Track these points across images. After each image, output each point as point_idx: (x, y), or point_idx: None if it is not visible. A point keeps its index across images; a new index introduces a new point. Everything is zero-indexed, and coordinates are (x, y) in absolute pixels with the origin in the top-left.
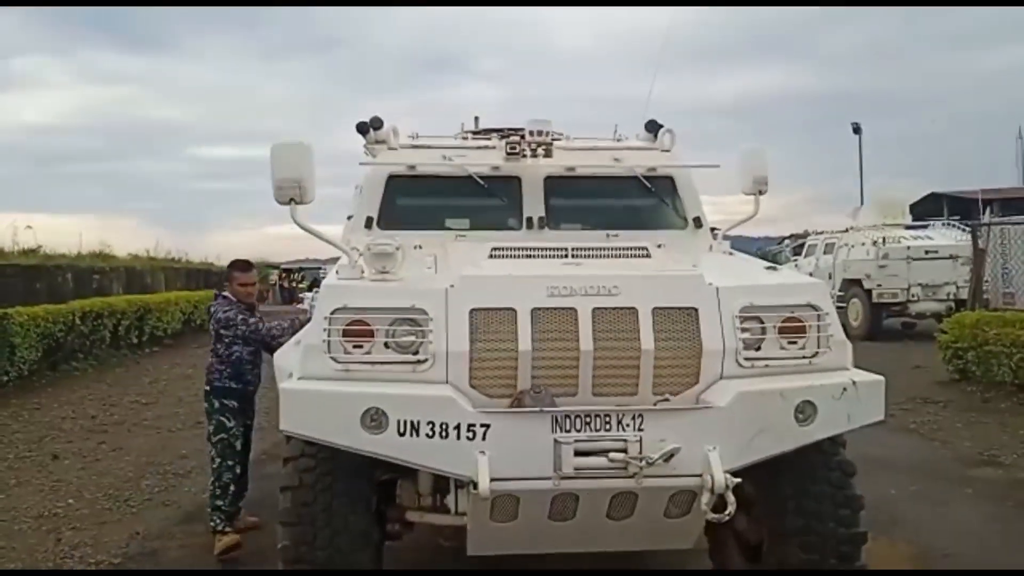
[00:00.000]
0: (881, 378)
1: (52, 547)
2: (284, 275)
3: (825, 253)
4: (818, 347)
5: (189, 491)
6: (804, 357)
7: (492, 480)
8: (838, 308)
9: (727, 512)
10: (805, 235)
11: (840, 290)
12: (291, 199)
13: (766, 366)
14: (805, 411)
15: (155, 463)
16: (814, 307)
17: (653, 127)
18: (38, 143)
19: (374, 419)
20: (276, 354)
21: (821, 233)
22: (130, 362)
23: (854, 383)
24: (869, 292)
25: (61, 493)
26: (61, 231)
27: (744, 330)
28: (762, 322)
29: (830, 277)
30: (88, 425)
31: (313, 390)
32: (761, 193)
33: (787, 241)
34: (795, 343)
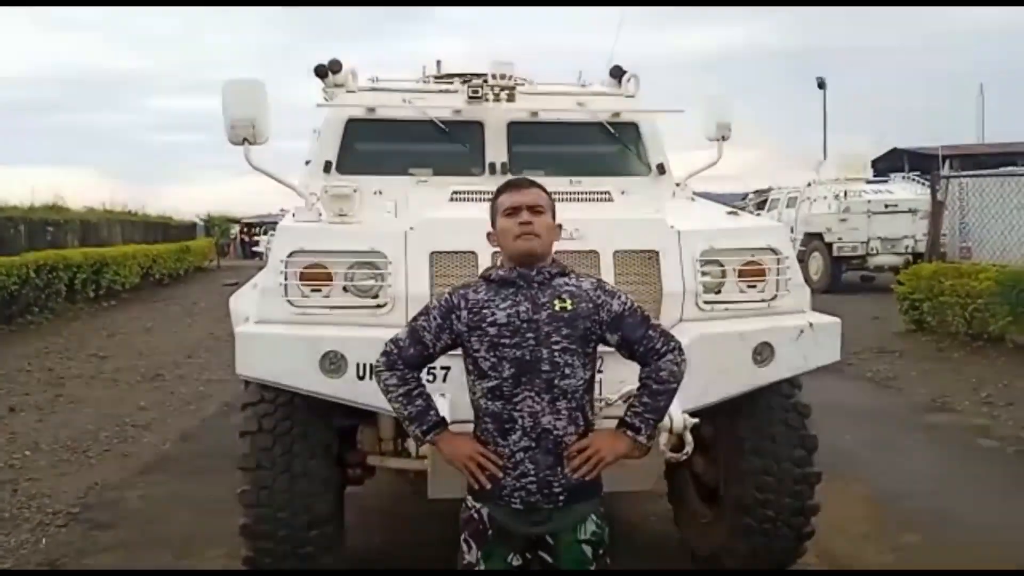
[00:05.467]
0: (837, 320)
1: (9, 497)
2: (245, 230)
3: (787, 207)
4: (777, 290)
5: (148, 442)
6: (763, 300)
7: (452, 422)
8: (798, 263)
9: (684, 452)
10: (769, 191)
11: (801, 244)
12: (244, 139)
13: (726, 309)
14: (763, 352)
15: (114, 415)
16: (774, 250)
17: (618, 73)
18: None
19: (333, 363)
20: (232, 298)
21: (785, 188)
22: (87, 316)
23: (811, 325)
24: (830, 246)
25: (18, 444)
26: (12, 183)
27: (704, 273)
28: (722, 265)
29: (792, 231)
30: (45, 378)
31: (270, 333)
32: (724, 139)
33: (751, 196)
34: (754, 286)
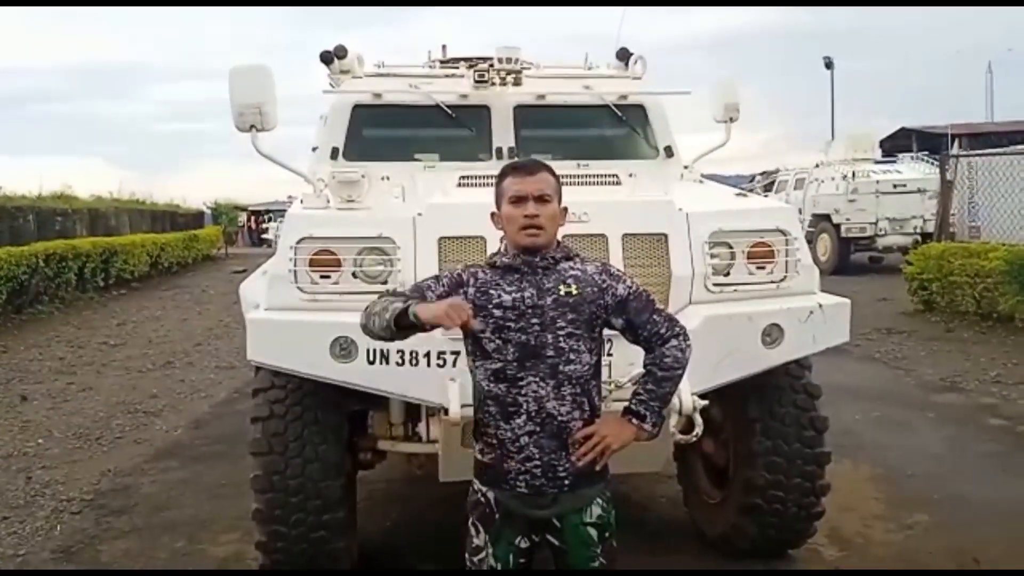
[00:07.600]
0: (847, 301)
1: (23, 485)
2: (253, 217)
3: (795, 189)
4: (786, 271)
5: (161, 429)
6: (772, 281)
7: (462, 406)
8: (807, 244)
9: (694, 433)
10: (777, 172)
11: (810, 225)
12: (252, 126)
13: (735, 291)
14: (772, 334)
15: (125, 403)
16: (783, 232)
17: (624, 55)
18: None
19: (343, 348)
20: (242, 285)
21: (792, 170)
22: (97, 305)
23: (820, 306)
24: (838, 227)
25: (30, 433)
26: (20, 174)
27: (713, 256)
28: (731, 247)
29: (800, 212)
30: (56, 367)
31: (280, 320)
32: (732, 120)
33: (759, 178)
34: (763, 268)
